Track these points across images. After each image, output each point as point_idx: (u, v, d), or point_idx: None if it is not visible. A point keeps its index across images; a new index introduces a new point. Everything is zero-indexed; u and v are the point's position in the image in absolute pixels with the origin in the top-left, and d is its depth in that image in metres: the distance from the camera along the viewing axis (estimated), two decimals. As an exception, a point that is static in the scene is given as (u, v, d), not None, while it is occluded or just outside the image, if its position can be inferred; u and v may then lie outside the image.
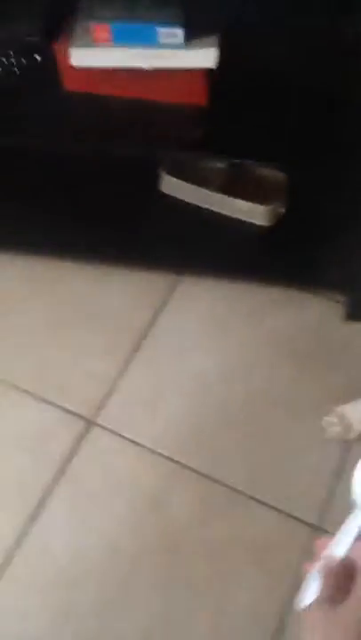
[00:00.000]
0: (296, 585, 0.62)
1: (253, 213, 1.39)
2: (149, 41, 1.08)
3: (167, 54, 1.09)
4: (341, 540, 0.53)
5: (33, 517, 1.14)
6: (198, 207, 1.43)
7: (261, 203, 1.39)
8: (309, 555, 0.54)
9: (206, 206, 1.43)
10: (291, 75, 1.20)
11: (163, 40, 1.08)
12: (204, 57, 1.09)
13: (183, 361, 1.33)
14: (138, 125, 1.20)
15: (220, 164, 1.44)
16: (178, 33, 1.07)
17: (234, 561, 1.09)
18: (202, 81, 1.15)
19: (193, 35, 1.09)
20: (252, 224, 1.41)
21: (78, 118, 1.22)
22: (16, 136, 1.22)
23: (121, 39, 1.09)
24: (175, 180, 1.43)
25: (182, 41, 1.08)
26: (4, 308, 1.42)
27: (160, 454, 1.20)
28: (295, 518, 1.12)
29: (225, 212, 1.41)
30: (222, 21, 1.11)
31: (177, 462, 1.19)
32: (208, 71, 1.13)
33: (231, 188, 1.43)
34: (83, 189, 1.48)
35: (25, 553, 1.11)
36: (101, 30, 1.09)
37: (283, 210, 1.40)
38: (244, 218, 1.40)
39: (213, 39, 1.09)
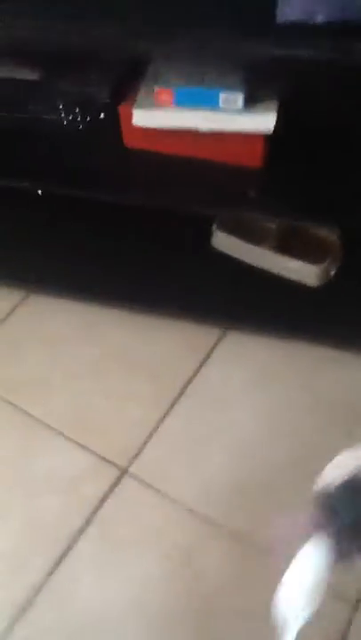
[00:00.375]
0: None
1: (304, 273, 1.39)
2: (210, 104, 1.13)
3: (227, 118, 1.13)
4: None
5: (59, 560, 1.14)
6: (249, 264, 1.45)
7: (313, 262, 1.39)
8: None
9: (257, 264, 1.44)
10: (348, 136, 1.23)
11: (223, 104, 1.12)
12: (263, 121, 1.12)
13: (225, 416, 1.33)
14: (194, 183, 1.24)
15: (270, 223, 1.46)
16: (238, 98, 1.11)
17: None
18: (260, 143, 1.18)
19: (253, 100, 1.12)
20: (299, 283, 1.42)
21: (136, 173, 1.27)
22: (74, 186, 1.28)
23: (183, 102, 1.14)
24: (226, 235, 1.45)
25: (242, 106, 1.11)
26: (54, 350, 1.45)
27: (195, 511, 1.19)
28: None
29: (275, 270, 1.42)
30: (282, 88, 1.14)
31: (212, 522, 1.17)
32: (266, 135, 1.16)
33: (284, 245, 1.44)
34: (138, 240, 1.52)
35: (49, 597, 1.10)
36: (165, 94, 1.14)
37: (334, 270, 1.40)
38: (294, 277, 1.41)
39: (272, 104, 1.12)
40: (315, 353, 1.37)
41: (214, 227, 1.47)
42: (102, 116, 1.26)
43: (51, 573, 1.12)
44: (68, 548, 1.15)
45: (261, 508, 1.18)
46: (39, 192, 1.49)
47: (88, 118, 1.27)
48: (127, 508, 1.21)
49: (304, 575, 0.63)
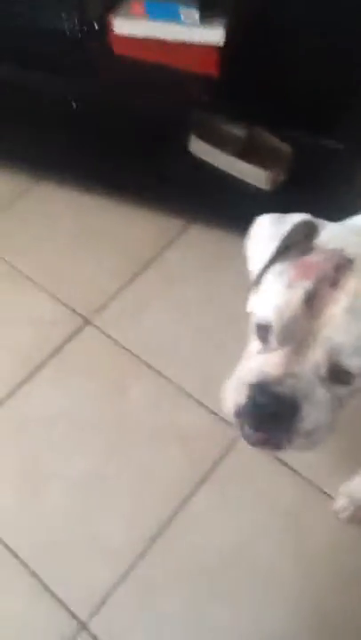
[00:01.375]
0: None
1: (257, 177, 1.62)
2: (174, 17, 1.36)
3: (185, 30, 1.36)
4: None
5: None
6: (214, 167, 1.69)
7: (266, 168, 1.62)
8: None
9: (223, 167, 1.68)
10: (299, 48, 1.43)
11: (184, 18, 1.35)
12: (213, 34, 1.35)
13: (175, 289, 1.60)
14: (161, 87, 1.48)
15: (238, 132, 1.69)
16: (194, 13, 1.34)
17: None
18: (214, 54, 1.40)
19: (209, 16, 1.35)
20: (257, 187, 1.65)
21: (119, 75, 1.53)
22: (68, 83, 1.55)
23: (152, 13, 1.37)
24: (199, 141, 1.69)
25: (198, 20, 1.34)
26: (50, 225, 1.75)
27: (136, 354, 1.49)
28: None
29: (236, 173, 1.66)
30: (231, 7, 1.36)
31: (151, 367, 1.48)
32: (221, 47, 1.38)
33: (247, 153, 1.67)
34: (127, 140, 1.78)
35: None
36: (137, 6, 1.37)
37: (283, 177, 1.63)
38: (250, 180, 1.64)
39: (223, 20, 1.34)
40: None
41: (192, 133, 1.71)
42: (96, 26, 1.51)
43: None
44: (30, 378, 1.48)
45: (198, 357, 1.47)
46: (73, 105, 1.77)
47: (85, 28, 1.52)
48: (87, 349, 1.52)
49: None
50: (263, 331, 0.78)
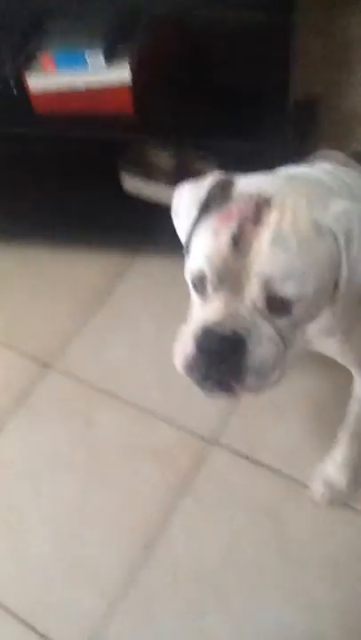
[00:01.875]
0: None
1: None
2: (81, 64, 1.45)
3: (94, 75, 1.45)
4: None
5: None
6: (151, 199, 1.77)
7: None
8: None
9: (156, 197, 1.76)
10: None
11: (90, 64, 1.44)
12: (121, 74, 1.44)
13: (128, 320, 1.66)
14: (86, 131, 1.57)
15: (166, 162, 1.77)
16: (100, 55, 1.43)
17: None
18: (126, 93, 1.49)
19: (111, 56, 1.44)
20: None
21: (43, 126, 1.61)
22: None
23: (60, 65, 1.47)
24: (130, 177, 1.77)
25: (104, 63, 1.43)
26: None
27: (96, 386, 1.51)
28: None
29: (168, 201, 1.73)
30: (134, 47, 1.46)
31: (111, 394, 1.50)
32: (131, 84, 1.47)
33: (178, 181, 1.74)
34: (59, 186, 1.86)
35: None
36: (46, 59, 1.47)
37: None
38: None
39: (126, 61, 1.44)
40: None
41: (122, 171, 1.79)
42: (13, 87, 1.60)
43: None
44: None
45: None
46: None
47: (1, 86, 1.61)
48: (51, 392, 1.55)
49: None
50: (200, 283, 0.82)
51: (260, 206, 0.79)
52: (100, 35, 1.44)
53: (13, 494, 1.38)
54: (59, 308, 1.71)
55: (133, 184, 1.78)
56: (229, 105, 1.48)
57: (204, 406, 1.40)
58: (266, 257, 0.77)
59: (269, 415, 1.42)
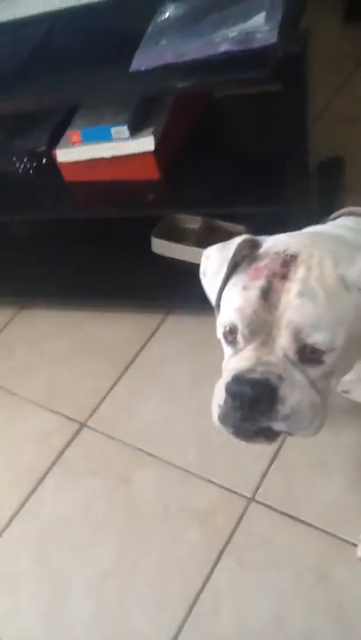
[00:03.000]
0: None
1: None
2: (107, 137, 1.53)
3: (120, 145, 1.53)
4: None
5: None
6: (179, 260, 1.81)
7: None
8: None
9: (185, 259, 1.80)
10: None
11: (115, 136, 1.52)
12: (144, 144, 1.51)
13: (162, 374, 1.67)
14: (113, 198, 1.63)
15: (193, 224, 1.82)
16: (125, 129, 1.51)
17: None
18: (151, 160, 1.56)
19: (137, 129, 1.52)
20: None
21: (75, 197, 1.69)
22: (32, 212, 1.71)
23: (88, 139, 1.55)
24: (159, 240, 1.83)
25: (128, 135, 1.51)
26: (35, 351, 1.85)
27: (132, 445, 1.52)
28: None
29: (197, 261, 1.76)
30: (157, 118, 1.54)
31: (144, 452, 1.50)
32: (156, 152, 1.54)
33: (204, 241, 1.79)
34: (96, 252, 1.93)
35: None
36: (74, 135, 1.55)
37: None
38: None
39: (150, 130, 1.51)
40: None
41: (151, 235, 1.85)
42: (44, 161, 1.69)
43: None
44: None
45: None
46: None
47: (34, 164, 1.70)
48: (87, 450, 1.56)
49: None
50: (231, 336, 0.85)
51: (287, 263, 0.82)
52: (126, 111, 1.53)
53: (49, 554, 1.38)
54: (94, 366, 1.74)
55: (162, 246, 1.83)
56: (253, 172, 1.52)
57: (244, 463, 1.40)
58: (295, 308, 0.79)
59: (312, 471, 1.39)
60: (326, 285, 0.80)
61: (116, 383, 1.68)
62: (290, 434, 0.83)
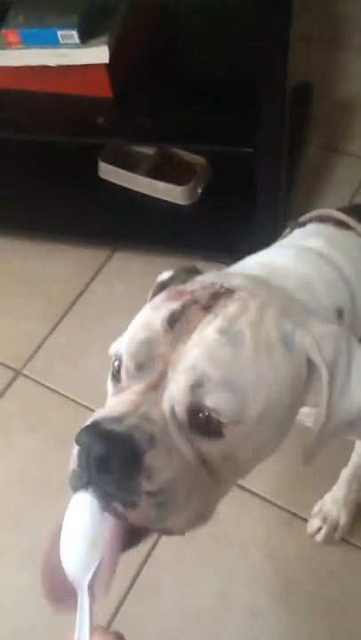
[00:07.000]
0: None
1: (173, 194, 1.55)
2: (52, 42, 1.28)
3: (67, 53, 1.28)
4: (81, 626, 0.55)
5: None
6: (129, 189, 1.62)
7: (181, 184, 1.55)
8: None
9: (135, 188, 1.61)
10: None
11: (62, 41, 1.27)
12: (98, 53, 1.27)
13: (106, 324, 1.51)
14: (55, 116, 1.40)
15: (147, 150, 1.62)
16: (74, 34, 1.26)
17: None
18: (104, 74, 1.33)
19: (89, 36, 1.28)
20: (174, 203, 1.58)
21: (6, 110, 1.44)
22: None
23: (29, 42, 1.29)
24: (107, 165, 1.62)
25: (78, 41, 1.27)
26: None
27: (75, 400, 1.39)
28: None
29: (150, 193, 1.58)
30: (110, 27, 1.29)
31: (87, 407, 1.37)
32: (110, 66, 1.31)
33: (158, 171, 1.61)
34: (35, 175, 1.69)
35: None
36: (12, 35, 1.29)
37: (200, 190, 1.56)
38: (166, 198, 1.57)
39: (104, 38, 1.27)
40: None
41: (99, 158, 1.63)
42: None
43: None
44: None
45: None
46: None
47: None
48: (22, 406, 1.42)
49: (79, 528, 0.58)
50: (116, 370, 0.63)
51: (218, 296, 0.61)
52: (73, 13, 1.27)
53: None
54: (29, 307, 1.56)
55: (110, 172, 1.63)
56: (222, 101, 1.32)
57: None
58: (206, 347, 0.57)
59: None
60: (261, 335, 0.59)
61: (54, 328, 1.52)
62: (145, 520, 0.57)
